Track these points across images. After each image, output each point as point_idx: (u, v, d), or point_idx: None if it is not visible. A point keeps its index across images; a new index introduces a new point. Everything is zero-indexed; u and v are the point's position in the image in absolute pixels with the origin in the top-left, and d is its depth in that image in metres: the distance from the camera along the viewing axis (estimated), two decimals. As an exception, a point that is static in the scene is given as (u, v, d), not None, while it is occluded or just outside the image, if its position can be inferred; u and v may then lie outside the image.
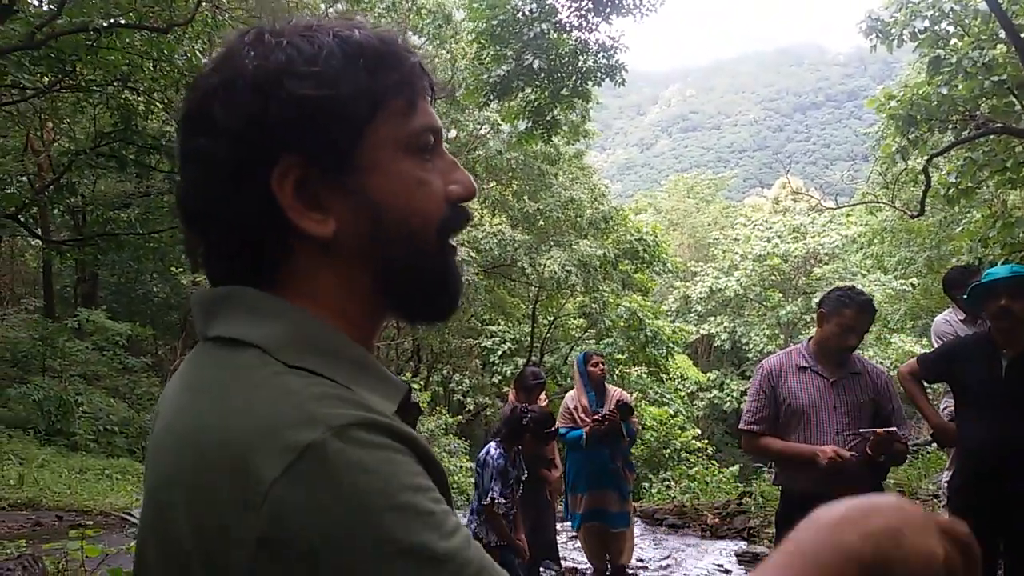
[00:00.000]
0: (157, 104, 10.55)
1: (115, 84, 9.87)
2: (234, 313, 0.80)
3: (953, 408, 5.01)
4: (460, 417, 18.84)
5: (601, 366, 6.35)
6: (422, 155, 0.85)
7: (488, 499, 4.94)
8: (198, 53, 9.62)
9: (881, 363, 14.56)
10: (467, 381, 20.48)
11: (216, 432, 0.71)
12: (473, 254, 17.67)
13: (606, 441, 6.12)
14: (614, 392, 6.39)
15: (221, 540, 0.67)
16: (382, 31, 0.85)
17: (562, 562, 6.96)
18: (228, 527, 0.66)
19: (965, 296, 4.15)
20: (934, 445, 10.37)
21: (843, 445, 3.68)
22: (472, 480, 6.95)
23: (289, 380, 0.73)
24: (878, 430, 3.58)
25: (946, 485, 6.06)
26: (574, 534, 7.08)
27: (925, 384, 4.32)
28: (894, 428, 3.63)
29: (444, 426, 16.29)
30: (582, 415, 6.16)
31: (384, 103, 0.82)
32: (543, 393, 6.52)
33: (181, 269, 18.26)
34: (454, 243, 0.89)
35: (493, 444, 5.15)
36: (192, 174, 0.82)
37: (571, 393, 6.44)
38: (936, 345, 5.51)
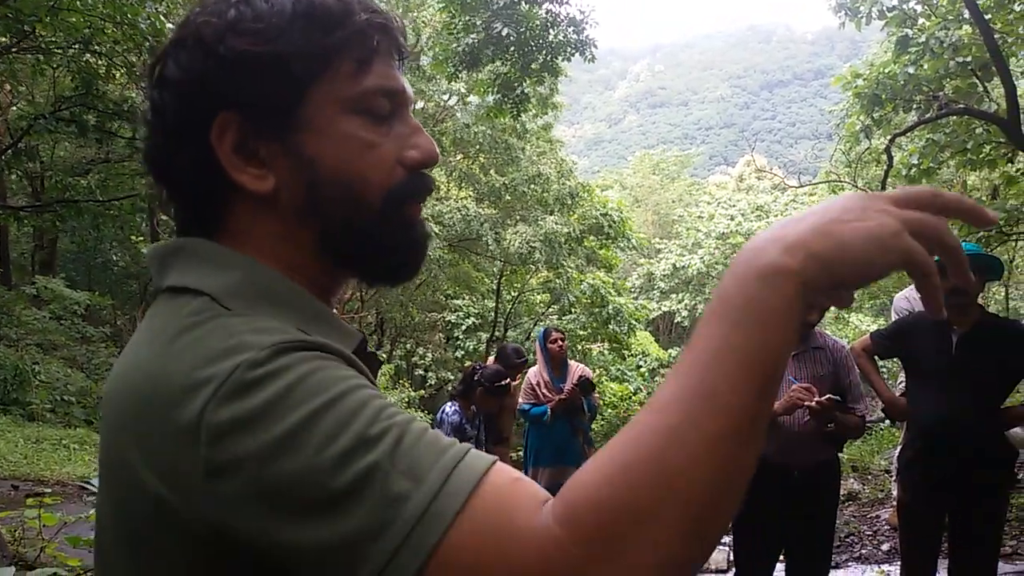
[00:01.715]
0: (119, 68, 10.32)
1: (76, 47, 9.64)
2: (186, 263, 0.81)
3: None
4: (423, 391, 18.86)
5: (560, 342, 6.38)
6: (373, 118, 0.84)
7: None
8: (162, 17, 9.41)
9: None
10: (430, 355, 20.48)
11: (160, 373, 0.71)
12: (437, 228, 17.61)
13: (567, 417, 6.17)
14: (576, 368, 6.43)
15: (175, 474, 0.68)
16: None
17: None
18: (177, 460, 0.67)
19: None
20: (887, 422, 10.59)
21: (802, 416, 3.75)
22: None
23: (230, 321, 0.74)
24: (820, 399, 3.66)
25: (897, 460, 6.22)
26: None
27: (878, 360, 4.41)
28: (830, 395, 3.71)
29: (407, 400, 16.29)
30: (544, 391, 6.20)
31: (332, 62, 0.82)
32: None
33: (141, 238, 18.01)
34: (417, 210, 0.89)
35: (449, 403, 5.22)
36: (150, 127, 0.85)
37: (533, 369, 6.48)
38: (894, 321, 5.63)
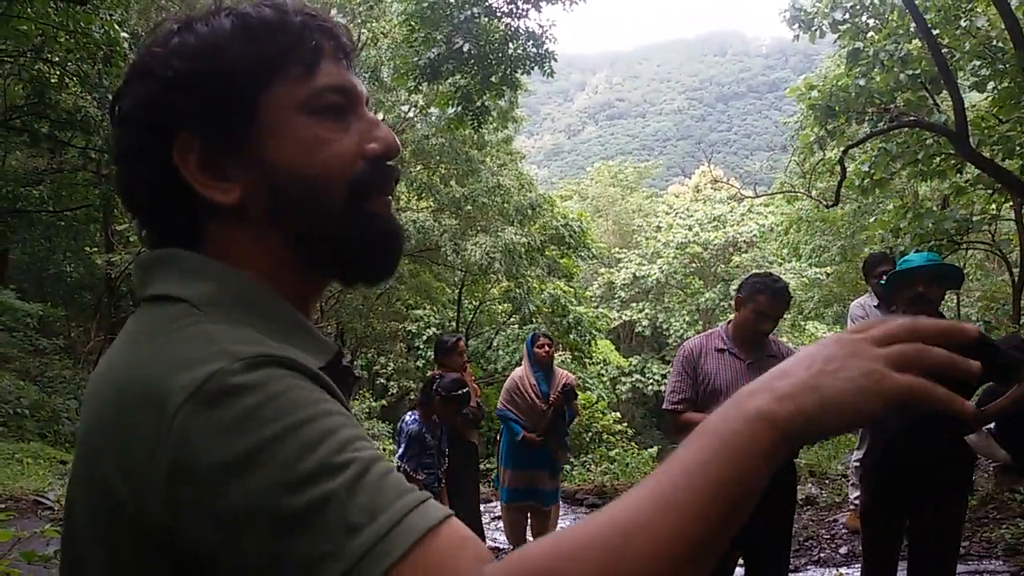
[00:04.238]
0: (72, 77, 10.19)
1: (28, 55, 9.50)
2: (167, 273, 0.83)
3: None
4: (384, 401, 18.75)
5: (547, 347, 6.43)
6: (327, 116, 0.87)
7: (396, 461, 4.99)
8: (116, 25, 9.31)
9: (796, 349, 14.95)
10: (391, 365, 20.37)
11: (135, 374, 0.73)
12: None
13: (549, 432, 6.23)
14: (561, 375, 6.47)
15: (143, 472, 0.69)
16: (279, 1, 0.88)
17: (486, 542, 7.03)
18: (145, 459, 0.69)
19: (883, 282, 4.33)
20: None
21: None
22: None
23: (209, 327, 0.76)
24: None
25: (855, 465, 6.32)
26: (497, 514, 7.15)
27: None
28: None
29: (368, 410, 16.20)
30: (530, 393, 6.23)
31: (277, 69, 0.85)
32: (462, 356, 6.53)
33: (95, 248, 17.72)
34: (384, 203, 0.91)
35: (410, 412, 5.22)
36: (117, 161, 0.88)
37: (518, 371, 6.51)
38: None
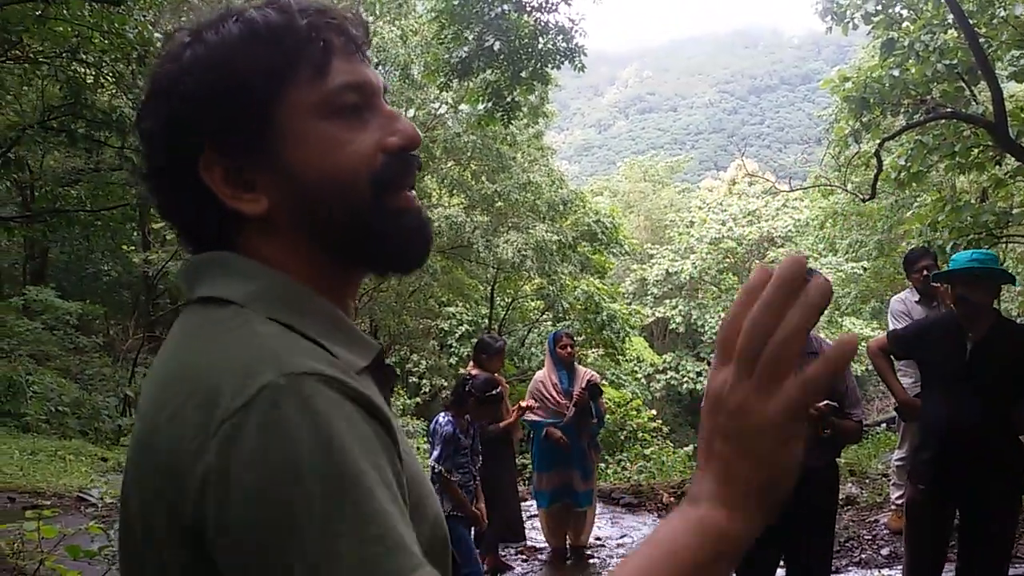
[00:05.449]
0: (107, 77, 10.32)
1: (64, 56, 9.63)
2: (213, 275, 0.85)
3: (908, 385, 5.16)
4: (417, 399, 18.82)
5: (570, 348, 6.43)
6: (344, 115, 0.87)
7: (430, 464, 4.99)
8: (149, 26, 9.42)
9: (832, 344, 14.75)
10: (424, 362, 20.42)
11: (191, 373, 0.75)
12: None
13: (576, 424, 6.21)
14: (584, 373, 6.47)
15: (184, 473, 0.70)
16: (284, 3, 0.87)
17: (525, 538, 7.01)
18: (188, 461, 0.70)
19: (925, 275, 4.28)
20: (883, 425, 10.62)
21: (799, 423, 3.76)
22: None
23: (260, 328, 0.77)
24: (817, 405, 3.66)
25: (896, 464, 6.25)
26: (533, 513, 7.14)
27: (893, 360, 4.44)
28: (827, 401, 3.71)
29: (401, 407, 16.26)
30: (553, 393, 6.23)
31: (288, 74, 0.85)
32: (501, 361, 6.52)
33: (132, 247, 17.97)
34: (407, 197, 0.91)
35: (442, 413, 5.22)
36: (147, 178, 0.90)
37: (540, 372, 6.51)
38: (892, 324, 5.69)
